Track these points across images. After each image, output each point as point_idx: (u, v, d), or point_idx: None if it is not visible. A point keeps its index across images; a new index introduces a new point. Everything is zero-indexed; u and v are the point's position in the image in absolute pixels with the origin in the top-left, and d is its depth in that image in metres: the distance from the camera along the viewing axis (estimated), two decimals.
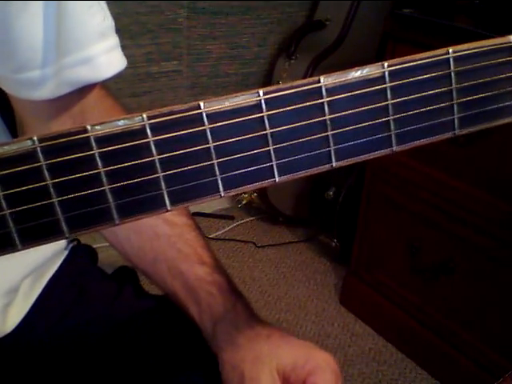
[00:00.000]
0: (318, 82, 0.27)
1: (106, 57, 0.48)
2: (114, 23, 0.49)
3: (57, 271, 0.59)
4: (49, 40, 0.44)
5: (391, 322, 1.43)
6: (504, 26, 1.05)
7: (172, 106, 0.26)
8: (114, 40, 0.49)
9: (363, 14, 1.57)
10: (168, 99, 1.61)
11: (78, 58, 0.46)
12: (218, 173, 0.27)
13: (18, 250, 0.25)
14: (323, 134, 0.28)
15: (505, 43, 0.29)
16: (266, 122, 0.27)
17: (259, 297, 1.57)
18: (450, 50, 0.28)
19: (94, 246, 0.66)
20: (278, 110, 0.27)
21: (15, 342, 0.53)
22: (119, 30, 0.49)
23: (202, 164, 0.27)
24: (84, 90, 0.50)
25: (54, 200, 0.25)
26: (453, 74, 0.29)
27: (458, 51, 0.29)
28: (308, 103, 0.27)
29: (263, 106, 0.27)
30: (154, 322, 0.58)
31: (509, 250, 1.11)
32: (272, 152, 0.28)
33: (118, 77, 0.50)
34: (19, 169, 0.24)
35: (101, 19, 0.47)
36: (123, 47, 0.50)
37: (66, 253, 0.61)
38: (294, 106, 0.27)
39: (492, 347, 1.20)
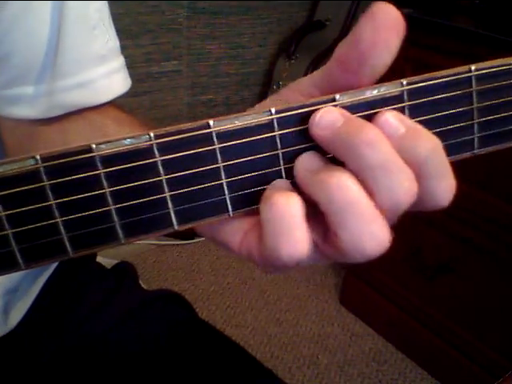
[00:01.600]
0: (333, 100, 0.26)
1: (105, 81, 0.46)
2: (118, 44, 0.47)
3: (56, 268, 0.59)
4: (46, 58, 0.42)
5: (391, 321, 1.43)
6: (504, 26, 1.05)
7: (179, 124, 0.25)
8: (117, 62, 0.47)
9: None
10: (168, 99, 1.61)
11: (74, 81, 0.44)
12: (226, 192, 0.26)
13: (22, 270, 0.25)
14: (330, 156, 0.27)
15: None
16: (278, 141, 0.26)
17: (259, 297, 1.57)
18: (473, 68, 0.27)
19: None
20: (288, 130, 0.26)
21: (17, 340, 0.53)
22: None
23: (210, 184, 0.26)
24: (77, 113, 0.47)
25: (57, 220, 0.24)
26: (474, 93, 0.28)
27: (481, 69, 0.27)
28: None
29: (275, 125, 0.26)
30: (152, 316, 0.58)
31: (509, 250, 1.11)
32: (283, 171, 0.27)
33: None
34: (21, 189, 0.23)
35: (103, 42, 0.45)
36: (123, 47, 0.49)
37: None
38: (303, 126, 0.26)
39: (492, 347, 1.20)
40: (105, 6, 0.46)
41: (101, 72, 0.45)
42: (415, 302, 1.35)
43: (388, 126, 0.26)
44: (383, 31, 0.25)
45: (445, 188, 0.26)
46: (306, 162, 0.27)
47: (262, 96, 1.72)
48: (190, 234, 1.70)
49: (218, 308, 1.52)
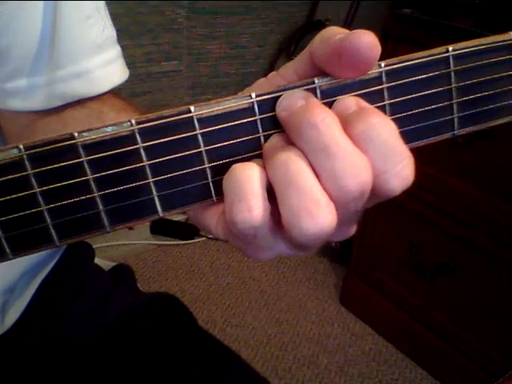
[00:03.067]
0: (313, 83, 0.26)
1: (102, 70, 0.46)
2: (115, 33, 0.47)
3: (53, 268, 0.59)
4: (42, 49, 0.42)
5: (391, 322, 1.43)
6: (504, 26, 1.05)
7: (162, 110, 0.25)
8: (113, 52, 0.47)
9: (363, 14, 1.56)
10: (168, 99, 1.61)
11: (71, 71, 0.44)
12: (209, 177, 0.27)
13: (9, 259, 0.25)
14: None
15: (504, 41, 0.28)
16: (259, 125, 0.27)
17: (259, 297, 1.57)
18: (450, 48, 0.28)
19: (94, 247, 0.66)
20: (269, 114, 0.26)
21: (13, 340, 0.53)
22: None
23: (193, 169, 0.26)
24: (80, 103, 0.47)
25: (42, 208, 0.24)
26: (452, 73, 0.28)
27: (458, 49, 0.28)
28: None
29: (256, 109, 0.26)
30: (149, 318, 0.58)
31: (509, 250, 1.11)
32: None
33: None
34: (7, 178, 0.23)
35: (99, 30, 0.45)
36: (123, 47, 0.48)
37: (62, 250, 0.61)
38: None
39: (492, 347, 1.20)
40: None
41: (98, 62, 0.45)
42: (415, 302, 1.35)
43: (340, 106, 0.26)
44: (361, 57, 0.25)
45: (396, 174, 0.25)
46: (272, 141, 0.27)
47: None
48: (190, 234, 1.70)
49: (218, 308, 1.52)
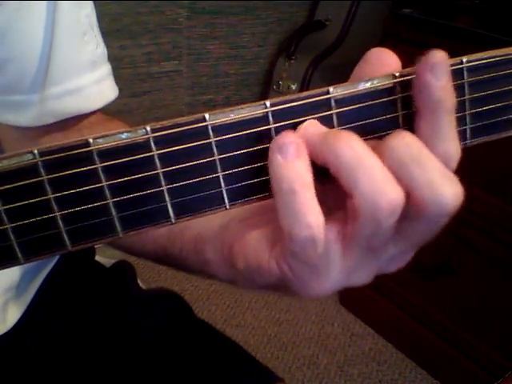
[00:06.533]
0: (327, 93, 0.27)
1: (95, 87, 0.46)
2: (105, 50, 0.47)
3: (54, 266, 0.59)
4: (39, 65, 0.42)
5: (391, 322, 1.43)
6: (504, 25, 1.05)
7: (176, 118, 0.25)
8: (105, 69, 0.47)
9: (363, 14, 1.56)
10: (168, 99, 1.61)
11: (65, 88, 0.44)
12: (223, 185, 0.27)
13: (21, 264, 0.25)
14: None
15: None
16: (273, 134, 0.26)
17: (259, 297, 1.57)
18: (464, 60, 0.28)
19: (95, 246, 0.66)
20: (283, 123, 0.27)
21: (15, 338, 0.53)
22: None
23: (206, 177, 0.26)
24: (70, 121, 0.46)
25: (56, 214, 0.24)
26: (466, 85, 0.28)
27: (472, 61, 0.28)
28: (316, 115, 0.27)
29: (270, 118, 0.26)
30: (151, 315, 0.58)
31: (508, 250, 1.11)
32: None
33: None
34: (20, 183, 0.23)
35: (93, 47, 0.45)
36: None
37: None
38: (301, 119, 0.27)
39: (492, 347, 1.20)
40: (93, 11, 0.46)
41: (91, 78, 0.45)
42: (415, 302, 1.35)
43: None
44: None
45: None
46: (310, 127, 0.26)
47: (262, 96, 1.72)
48: None
49: (218, 308, 1.52)
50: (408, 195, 0.25)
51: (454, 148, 0.27)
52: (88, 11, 0.45)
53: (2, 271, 0.51)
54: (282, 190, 0.25)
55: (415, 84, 0.26)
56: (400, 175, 0.25)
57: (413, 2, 1.18)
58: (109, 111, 0.50)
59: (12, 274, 0.53)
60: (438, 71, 0.25)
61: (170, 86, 1.60)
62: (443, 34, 1.09)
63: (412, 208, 0.25)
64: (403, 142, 0.25)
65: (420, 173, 0.25)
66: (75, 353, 0.54)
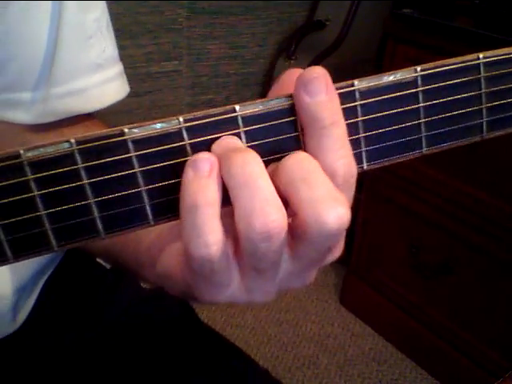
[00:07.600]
0: (352, 85, 0.28)
1: (99, 89, 0.46)
2: (116, 51, 0.48)
3: (56, 267, 0.59)
4: (43, 65, 0.43)
5: (391, 321, 1.43)
6: (504, 26, 1.05)
7: (208, 109, 0.26)
8: (113, 70, 0.48)
9: (363, 14, 1.56)
10: (168, 99, 1.61)
11: (67, 89, 0.45)
12: None
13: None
14: (354, 137, 0.28)
15: None
16: (299, 125, 0.27)
17: None
18: (481, 56, 0.29)
19: None
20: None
21: (24, 337, 0.54)
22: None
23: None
24: (73, 120, 0.47)
25: (91, 200, 0.25)
26: (482, 79, 0.29)
27: (488, 57, 0.29)
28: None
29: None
30: (153, 314, 0.58)
31: (509, 250, 1.11)
32: None
33: None
34: (57, 171, 0.24)
35: (100, 51, 0.45)
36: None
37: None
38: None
39: (492, 347, 1.21)
40: (104, 15, 0.46)
41: (95, 80, 0.46)
42: (415, 302, 1.35)
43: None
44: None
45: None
46: (224, 141, 0.27)
47: (262, 96, 1.71)
48: None
49: (218, 308, 1.52)
50: (296, 216, 0.25)
51: (339, 164, 0.26)
52: (97, 15, 0.45)
53: (13, 272, 0.51)
54: (185, 205, 0.25)
55: (294, 101, 0.27)
56: (289, 194, 0.25)
57: (413, 1, 1.18)
58: (109, 111, 0.51)
59: (23, 274, 0.53)
60: (312, 89, 0.26)
61: (170, 86, 1.60)
62: (443, 34, 1.09)
63: (297, 228, 0.25)
64: (296, 160, 0.25)
65: (306, 192, 0.24)
66: (76, 352, 0.54)
